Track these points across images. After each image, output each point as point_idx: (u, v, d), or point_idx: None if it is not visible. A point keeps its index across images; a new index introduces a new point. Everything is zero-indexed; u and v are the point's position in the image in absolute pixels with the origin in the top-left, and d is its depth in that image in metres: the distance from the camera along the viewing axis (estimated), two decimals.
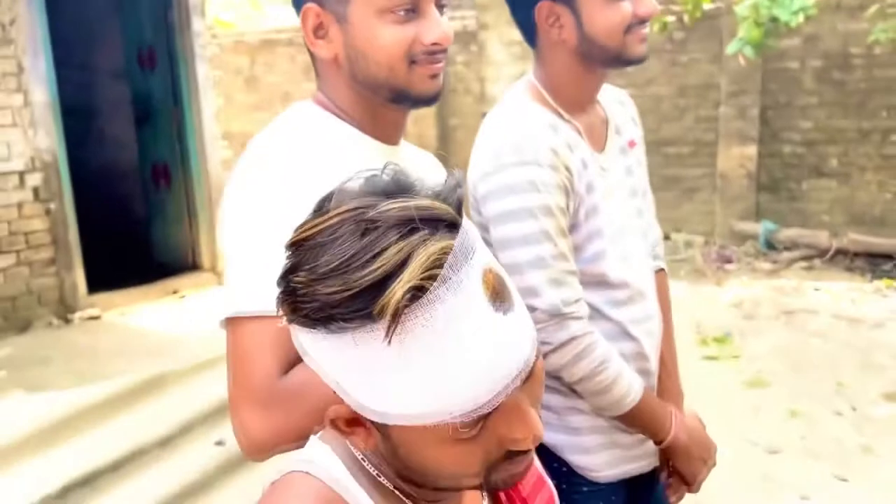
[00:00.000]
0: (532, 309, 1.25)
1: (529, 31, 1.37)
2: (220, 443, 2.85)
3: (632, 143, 1.50)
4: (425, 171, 1.19)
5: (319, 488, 0.71)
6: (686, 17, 6.52)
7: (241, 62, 8.22)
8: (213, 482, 2.70)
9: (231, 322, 0.96)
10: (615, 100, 1.54)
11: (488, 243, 1.29)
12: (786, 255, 6.54)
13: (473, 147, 1.38)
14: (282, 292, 0.66)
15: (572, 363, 1.30)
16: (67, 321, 4.85)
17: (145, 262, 5.93)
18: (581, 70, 1.37)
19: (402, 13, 0.98)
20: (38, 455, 2.39)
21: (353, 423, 0.70)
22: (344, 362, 0.65)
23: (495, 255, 1.25)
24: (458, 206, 0.65)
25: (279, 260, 0.80)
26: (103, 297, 5.08)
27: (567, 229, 1.31)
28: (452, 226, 0.63)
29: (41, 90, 4.60)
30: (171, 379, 2.99)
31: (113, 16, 5.79)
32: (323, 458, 0.74)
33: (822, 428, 3.74)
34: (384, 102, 1.06)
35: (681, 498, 1.54)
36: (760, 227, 6.69)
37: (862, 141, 6.63)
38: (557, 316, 1.28)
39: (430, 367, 0.62)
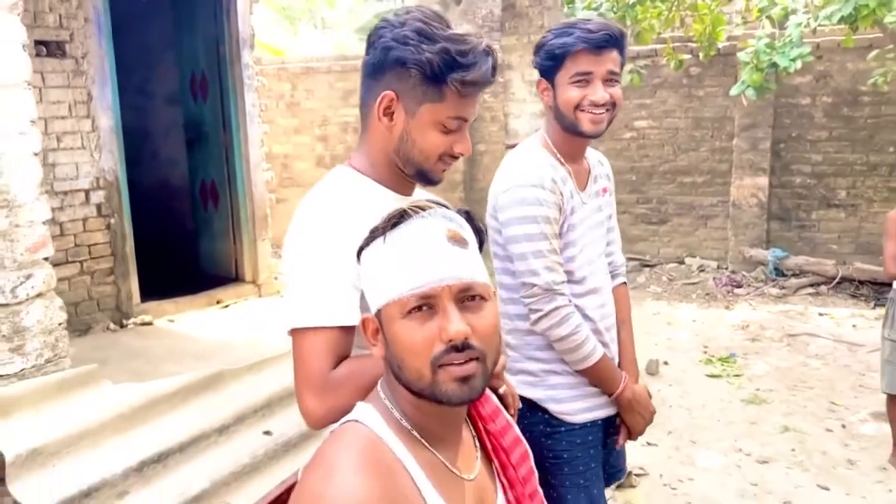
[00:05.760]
0: (532, 285, 1.83)
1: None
2: (267, 433, 3.25)
3: (604, 190, 2.08)
4: None
5: (366, 432, 1.10)
6: (701, 54, 6.89)
7: (283, 88, 8.72)
8: (261, 466, 3.10)
9: (295, 332, 1.35)
10: (597, 160, 2.11)
11: (501, 244, 1.90)
12: (793, 281, 6.84)
13: (497, 171, 1.95)
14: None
15: (556, 325, 1.84)
16: (123, 326, 5.30)
17: (192, 273, 6.39)
18: (563, 132, 1.89)
19: (451, 129, 1.40)
20: (120, 435, 2.80)
21: (374, 334, 1.12)
22: (366, 277, 1.12)
23: (507, 247, 1.87)
24: (458, 210, 1.17)
25: (330, 286, 1.31)
26: (154, 305, 5.53)
27: (557, 234, 1.86)
28: (445, 207, 1.15)
29: (107, 116, 5.09)
30: (228, 376, 3.40)
31: (170, 46, 6.30)
32: (367, 413, 1.14)
33: (811, 442, 4.06)
34: (404, 173, 1.46)
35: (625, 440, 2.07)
36: (770, 254, 6.99)
37: (870, 174, 6.93)
38: (549, 291, 1.83)
39: (402, 258, 1.06)
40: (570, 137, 1.89)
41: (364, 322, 1.14)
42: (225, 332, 5.35)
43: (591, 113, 1.82)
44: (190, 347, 5.04)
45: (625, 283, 2.20)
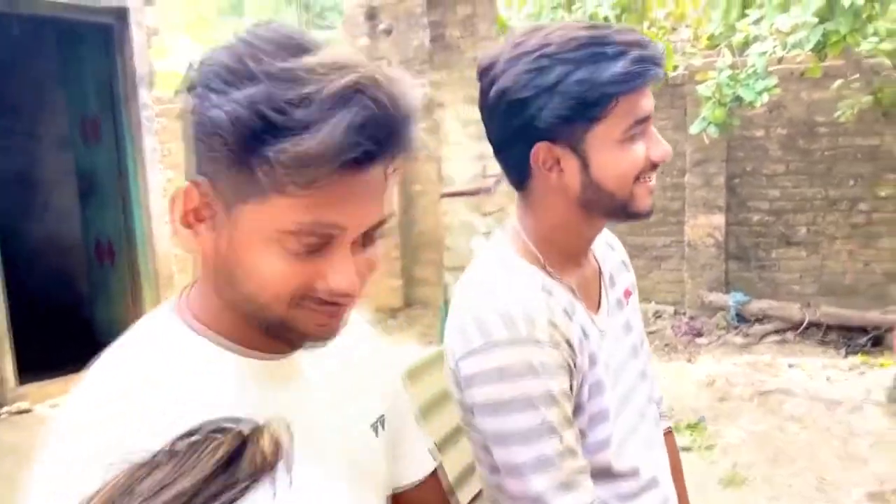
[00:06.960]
0: None
1: (519, 172, 1.14)
2: None
3: (627, 293, 1.30)
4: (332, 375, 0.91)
5: None
6: None
7: None
8: None
9: None
10: (604, 244, 1.33)
11: (472, 425, 1.11)
12: (757, 327, 6.37)
13: (451, 307, 1.14)
14: None
15: None
16: None
17: (87, 342, 5.59)
18: (579, 220, 1.15)
19: (305, 249, 0.72)
20: None
21: None
22: None
23: (485, 444, 1.10)
24: None
25: None
26: (35, 388, 4.74)
27: (572, 415, 1.10)
28: None
29: None
30: None
31: (57, 85, 5.55)
32: None
33: None
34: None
35: None
36: (730, 299, 6.52)
37: (830, 209, 6.55)
38: None
39: None
40: (585, 225, 1.17)
41: None
42: None
43: (648, 181, 1.12)
44: None
45: (670, 428, 1.43)
